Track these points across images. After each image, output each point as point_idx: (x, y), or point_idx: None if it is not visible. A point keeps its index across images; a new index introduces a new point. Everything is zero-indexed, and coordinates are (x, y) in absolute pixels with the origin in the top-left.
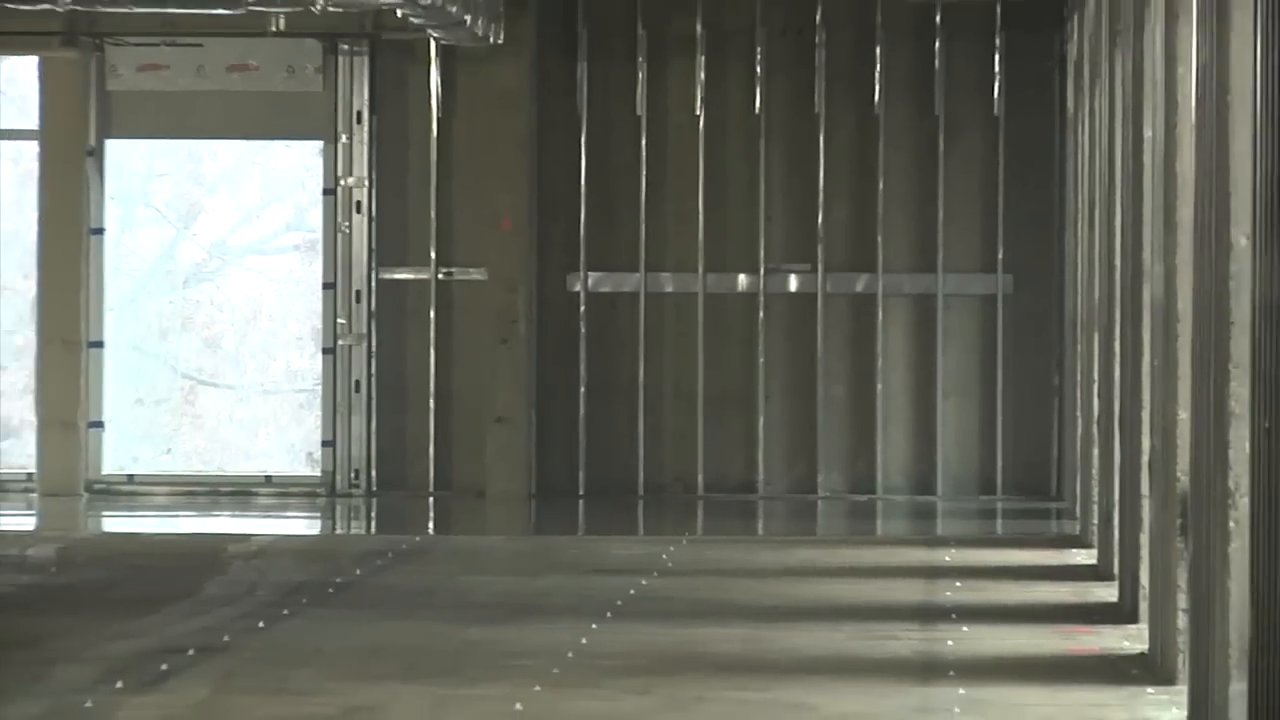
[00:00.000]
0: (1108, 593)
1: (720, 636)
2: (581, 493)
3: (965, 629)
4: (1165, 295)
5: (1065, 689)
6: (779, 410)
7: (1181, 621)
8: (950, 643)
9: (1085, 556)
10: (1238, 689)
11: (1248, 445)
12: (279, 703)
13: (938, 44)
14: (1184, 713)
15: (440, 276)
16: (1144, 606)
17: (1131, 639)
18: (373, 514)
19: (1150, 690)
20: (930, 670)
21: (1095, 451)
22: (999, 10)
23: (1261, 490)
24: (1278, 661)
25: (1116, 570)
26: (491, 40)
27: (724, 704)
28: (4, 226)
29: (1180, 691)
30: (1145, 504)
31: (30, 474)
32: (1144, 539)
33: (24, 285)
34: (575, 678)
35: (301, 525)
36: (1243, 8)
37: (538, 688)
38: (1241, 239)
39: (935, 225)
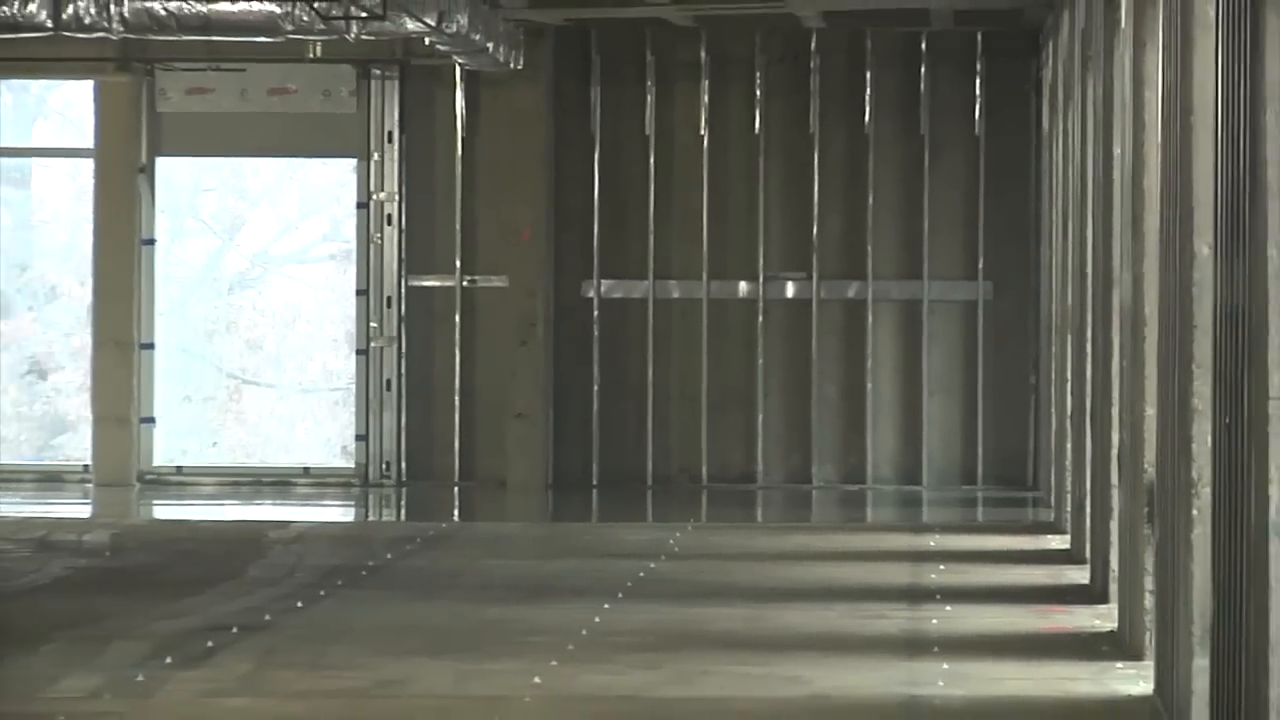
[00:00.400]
0: (1080, 575)
1: (722, 615)
2: (595, 483)
3: (948, 608)
4: (1133, 300)
5: (1040, 664)
6: (777, 407)
7: (1148, 602)
8: (934, 621)
9: (1059, 542)
10: (1200, 664)
11: (1209, 439)
12: (315, 676)
13: (923, 69)
14: (1150, 686)
15: (465, 283)
16: (1113, 588)
17: (1102, 618)
18: (402, 503)
19: (1119, 665)
20: (916, 647)
21: (1068, 445)
22: (979, 38)
23: (1221, 481)
24: (1237, 638)
25: (1088, 554)
26: (512, 66)
27: (726, 677)
28: (62, 237)
29: (1147, 666)
30: (1114, 493)
31: (86, 466)
32: (1113, 526)
33: (80, 292)
34: (588, 653)
35: (337, 513)
36: (1204, 36)
37: (554, 663)
38: (1204, 248)
39: (921, 236)
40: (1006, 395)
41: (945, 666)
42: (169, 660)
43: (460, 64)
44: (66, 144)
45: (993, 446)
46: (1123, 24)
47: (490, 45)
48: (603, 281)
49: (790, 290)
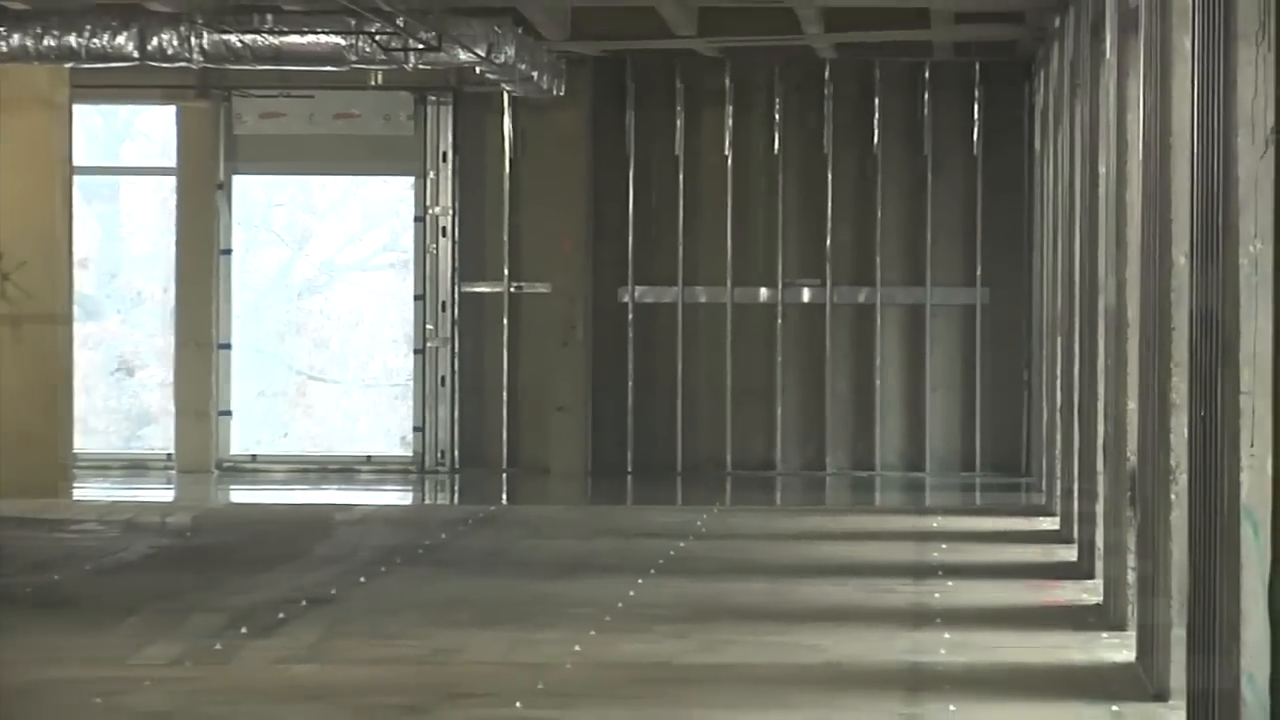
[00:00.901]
0: (1068, 553)
1: (745, 589)
2: (629, 470)
3: (950, 583)
4: (1117, 304)
5: (1034, 633)
6: (794, 401)
7: (1130, 577)
8: (937, 595)
9: (1050, 523)
10: (1177, 634)
11: (1185, 431)
12: (377, 645)
13: (926, 95)
14: (1132, 653)
15: (512, 290)
16: (1098, 565)
17: (1089, 592)
18: (455, 488)
19: (1105, 635)
20: (920, 618)
21: (1058, 436)
22: (977, 67)
23: (1198, 468)
24: (1212, 611)
25: (1076, 535)
26: (555, 93)
27: (749, 646)
28: (146, 247)
29: (1130, 636)
30: (1100, 479)
31: (169, 455)
32: (1098, 508)
33: (163, 297)
34: (624, 624)
35: (396, 497)
36: (1181, 65)
37: (593, 632)
38: (1181, 258)
39: (924, 246)
40: (1002, 390)
41: (947, 636)
42: (244, 630)
43: (508, 91)
44: (151, 163)
45: (989, 437)
46: (1107, 55)
47: (535, 74)
48: (636, 288)
49: (806, 295)
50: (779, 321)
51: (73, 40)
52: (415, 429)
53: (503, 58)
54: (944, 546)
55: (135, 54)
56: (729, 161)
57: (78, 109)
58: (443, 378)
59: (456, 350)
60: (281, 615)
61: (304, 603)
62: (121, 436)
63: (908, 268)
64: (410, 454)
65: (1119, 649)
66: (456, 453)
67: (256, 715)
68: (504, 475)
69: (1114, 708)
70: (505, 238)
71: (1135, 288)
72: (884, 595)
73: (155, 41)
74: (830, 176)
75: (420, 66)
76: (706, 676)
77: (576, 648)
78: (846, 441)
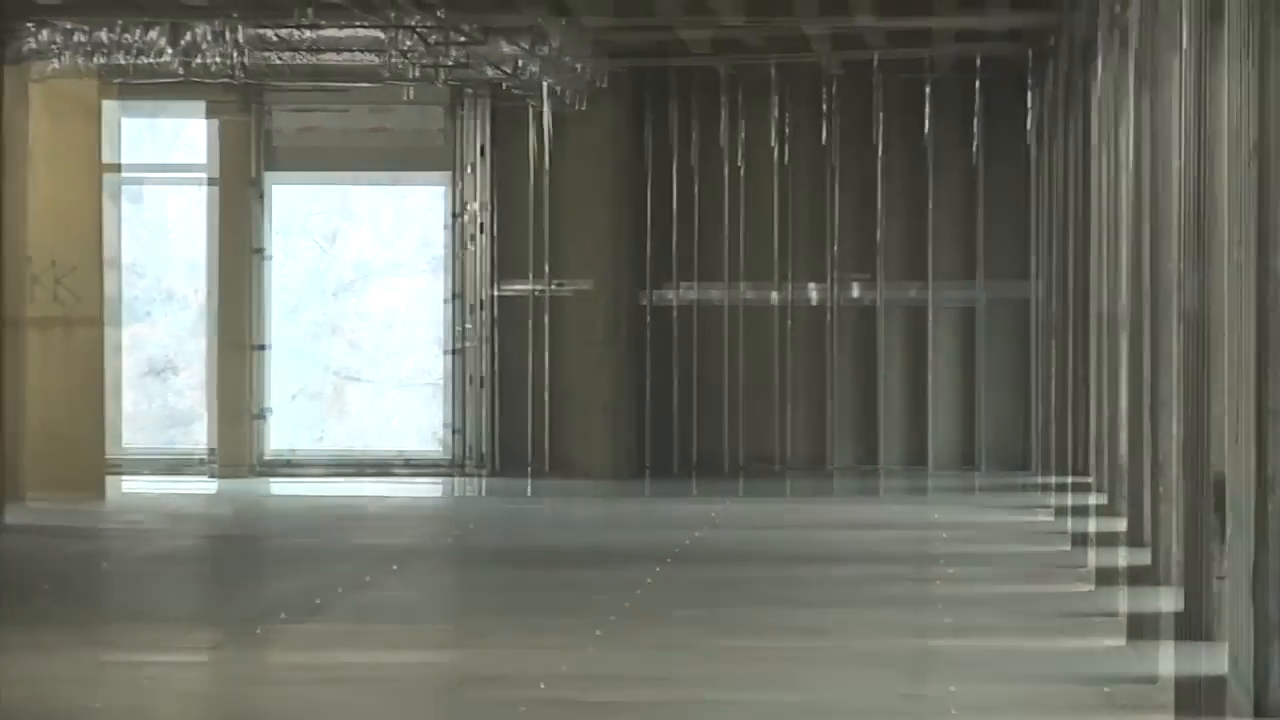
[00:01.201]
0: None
1: (759, 576)
2: (674, 469)
3: (950, 570)
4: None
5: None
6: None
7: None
8: (938, 583)
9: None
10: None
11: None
12: (410, 630)
13: (927, 110)
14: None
15: (547, 289)
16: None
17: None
18: (487, 485)
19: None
20: (922, 605)
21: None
22: (977, 86)
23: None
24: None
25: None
26: (577, 107)
27: (761, 630)
28: (183, 251)
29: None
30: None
31: (209, 454)
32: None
33: (197, 299)
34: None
35: (429, 492)
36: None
37: (612, 618)
38: (1167, 264)
39: (926, 249)
40: (1004, 387)
41: (949, 621)
42: (282, 616)
43: (532, 104)
44: (190, 169)
45: (993, 433)
46: (1099, 73)
47: (559, 90)
48: (681, 285)
49: (813, 296)
50: (789, 322)
51: (104, 36)
52: (449, 428)
53: (528, 74)
54: (944, 535)
55: (180, 70)
56: (741, 173)
57: (122, 119)
58: (476, 377)
59: (495, 350)
60: (318, 600)
61: (340, 590)
62: (161, 436)
63: (910, 271)
64: (444, 453)
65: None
66: (493, 452)
67: (296, 697)
68: (539, 475)
69: None
70: (536, 240)
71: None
72: (887, 585)
73: (199, 58)
74: (836, 185)
75: (450, 83)
76: (724, 659)
77: (598, 632)
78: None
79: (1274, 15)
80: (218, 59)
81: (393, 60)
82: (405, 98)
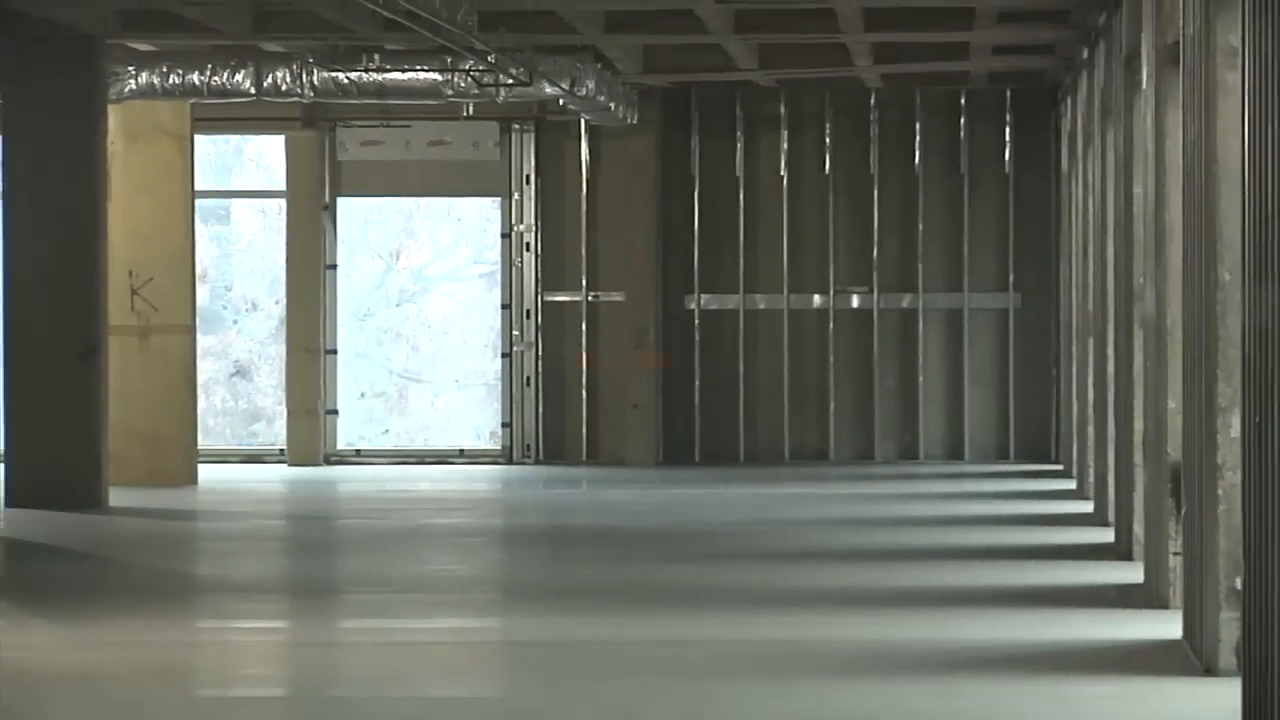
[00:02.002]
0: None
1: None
2: (697, 460)
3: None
4: (1157, 313)
5: (1085, 609)
6: (845, 397)
7: (1172, 562)
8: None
9: (1084, 506)
10: (1226, 616)
11: (1233, 433)
12: (466, 613)
13: (962, 120)
14: (1179, 631)
15: (589, 298)
16: (1137, 549)
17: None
18: (538, 477)
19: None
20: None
21: (1090, 429)
22: (1008, 94)
23: (1251, 468)
24: (1264, 597)
25: (1112, 519)
26: (629, 120)
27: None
28: (258, 263)
29: (1173, 614)
30: (1139, 471)
31: (281, 450)
32: (1136, 498)
33: (274, 307)
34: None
35: (486, 484)
36: (1226, 98)
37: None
38: (1226, 274)
39: (961, 256)
40: (1032, 386)
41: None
42: (348, 597)
43: (586, 120)
44: (263, 187)
45: (1021, 429)
46: (1143, 85)
47: (612, 105)
48: (702, 296)
49: (855, 302)
50: (831, 326)
51: (195, 78)
52: (503, 425)
53: (584, 90)
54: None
55: (252, 90)
56: (784, 181)
57: (196, 139)
58: (527, 378)
59: (540, 353)
60: (386, 585)
61: (402, 563)
62: (237, 433)
63: (947, 276)
64: (498, 447)
65: (1166, 626)
66: (540, 446)
67: (366, 656)
68: (582, 466)
69: (1168, 680)
70: (583, 252)
71: (1175, 298)
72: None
73: (270, 79)
74: (876, 194)
75: (509, 100)
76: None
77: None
78: (894, 433)
79: (1220, 62)
80: (295, 98)
81: (455, 79)
82: (465, 113)
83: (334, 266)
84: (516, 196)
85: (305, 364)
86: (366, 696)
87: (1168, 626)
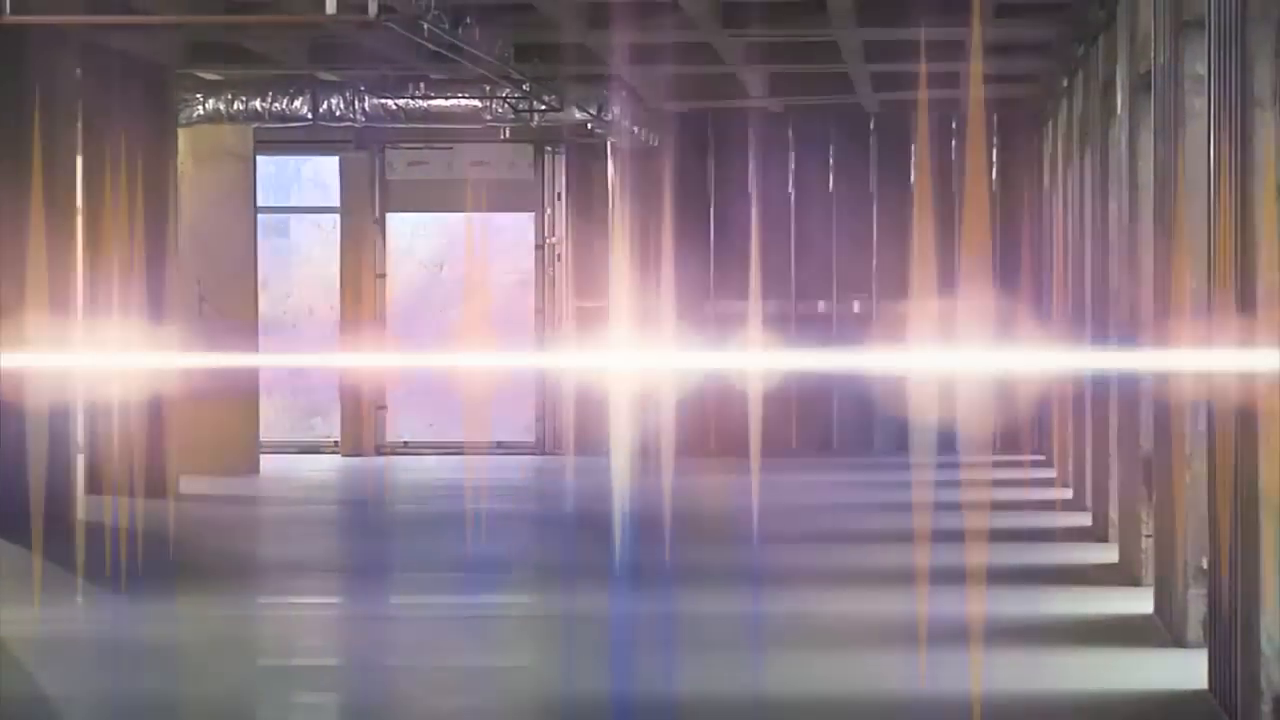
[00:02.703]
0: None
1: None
2: (711, 450)
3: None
4: (1129, 318)
5: (1067, 587)
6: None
7: (1144, 544)
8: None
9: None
10: (1194, 593)
11: (1199, 427)
12: (509, 595)
13: (954, 143)
14: (1150, 606)
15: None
16: (1113, 531)
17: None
18: (569, 467)
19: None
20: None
21: (1069, 424)
22: (995, 119)
23: (1216, 458)
24: (1234, 574)
25: (1090, 505)
26: (650, 143)
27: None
28: (314, 273)
29: (1145, 591)
30: (1113, 462)
31: (335, 441)
32: (1111, 485)
33: (329, 313)
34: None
35: (521, 475)
36: (1194, 123)
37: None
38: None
39: (953, 264)
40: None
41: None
42: (401, 579)
43: (612, 142)
44: (318, 203)
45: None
46: (1118, 111)
47: (635, 128)
48: (717, 301)
49: (856, 307)
50: (833, 329)
51: (257, 104)
52: (537, 419)
53: (610, 115)
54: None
55: (309, 115)
56: (792, 198)
57: (258, 159)
58: (557, 375)
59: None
60: (429, 553)
61: (445, 545)
62: (294, 426)
63: (939, 283)
64: (533, 439)
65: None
66: (574, 439)
67: (415, 631)
68: (610, 457)
69: (1141, 651)
70: (609, 261)
71: (1146, 304)
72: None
73: (326, 105)
74: (875, 210)
75: (542, 124)
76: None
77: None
78: (894, 429)
79: (1188, 89)
80: (348, 123)
81: (493, 105)
82: (502, 135)
83: (383, 275)
84: (549, 212)
85: (357, 363)
86: (415, 666)
87: (1140, 603)
